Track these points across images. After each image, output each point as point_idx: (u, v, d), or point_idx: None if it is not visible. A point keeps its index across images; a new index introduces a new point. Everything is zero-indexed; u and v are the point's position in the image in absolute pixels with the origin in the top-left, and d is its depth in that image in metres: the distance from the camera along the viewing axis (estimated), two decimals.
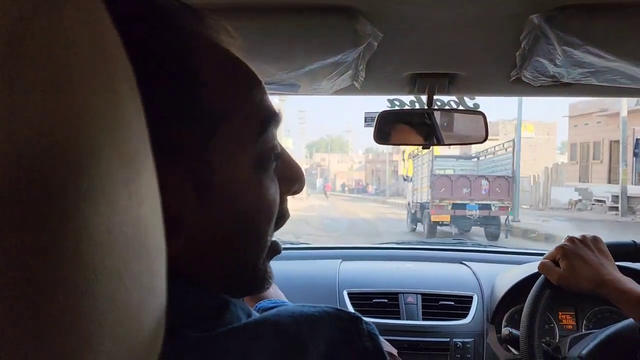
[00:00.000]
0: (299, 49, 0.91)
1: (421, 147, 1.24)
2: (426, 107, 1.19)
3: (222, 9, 0.86)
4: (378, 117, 1.18)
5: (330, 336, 0.46)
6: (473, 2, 0.83)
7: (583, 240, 1.01)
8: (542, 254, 1.72)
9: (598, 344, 1.01)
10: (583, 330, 1.34)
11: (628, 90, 1.05)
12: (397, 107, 1.24)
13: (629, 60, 0.89)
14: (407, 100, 1.25)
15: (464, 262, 1.63)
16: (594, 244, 1.00)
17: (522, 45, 0.93)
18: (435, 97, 1.19)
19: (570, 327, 1.36)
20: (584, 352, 1.01)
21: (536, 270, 1.30)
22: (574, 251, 0.99)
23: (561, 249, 1.01)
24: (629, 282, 0.93)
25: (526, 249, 1.89)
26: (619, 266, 0.99)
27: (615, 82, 0.98)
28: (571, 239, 1.02)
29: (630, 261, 1.11)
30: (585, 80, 1.00)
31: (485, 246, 1.95)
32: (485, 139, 1.23)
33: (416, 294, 1.38)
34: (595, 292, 0.96)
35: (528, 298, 1.04)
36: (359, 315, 0.49)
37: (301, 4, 0.87)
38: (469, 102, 1.24)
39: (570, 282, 0.98)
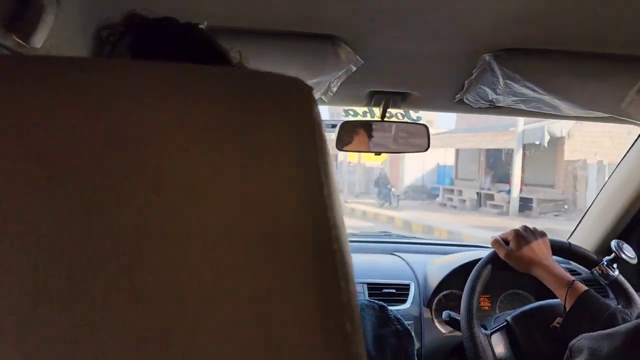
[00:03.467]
0: (289, 72, 1.01)
1: (374, 154, 1.40)
2: (380, 119, 1.35)
3: (221, 31, 0.94)
4: (340, 126, 1.32)
5: (372, 321, 0.61)
6: (440, 40, 0.99)
7: (534, 231, 1.23)
8: (459, 245, 1.97)
9: (523, 312, 1.24)
10: (497, 311, 1.59)
11: (547, 115, 1.28)
12: (350, 116, 1.38)
13: (553, 94, 1.10)
14: (360, 110, 1.39)
15: (393, 253, 1.83)
16: (540, 236, 1.22)
17: (472, 77, 1.11)
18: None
19: (487, 308, 1.60)
20: (509, 317, 1.24)
21: (465, 261, 1.52)
22: (524, 236, 1.21)
23: (515, 232, 1.23)
24: (559, 268, 1.17)
25: (443, 241, 2.14)
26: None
27: (539, 109, 1.20)
28: (525, 227, 1.24)
29: (562, 257, 1.34)
30: (516, 105, 1.21)
31: (408, 238, 2.17)
32: (428, 148, 1.41)
33: (362, 283, 1.55)
34: (531, 272, 1.18)
35: (471, 275, 1.24)
36: (384, 304, 0.65)
37: (292, 31, 0.98)
38: (413, 115, 1.41)
39: (514, 259, 1.20)
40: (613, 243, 1.28)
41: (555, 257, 1.25)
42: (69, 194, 0.25)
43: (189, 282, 0.25)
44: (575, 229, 1.67)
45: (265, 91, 0.30)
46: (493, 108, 1.28)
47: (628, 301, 1.24)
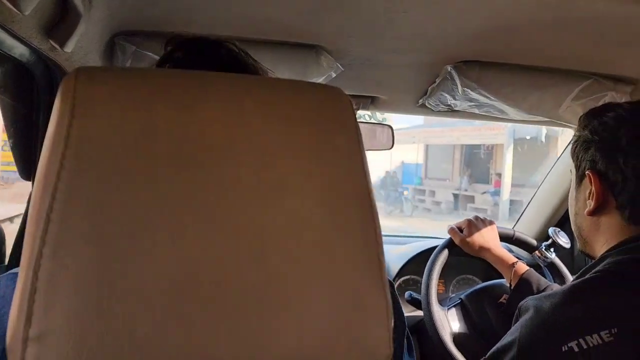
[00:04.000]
0: (277, 77, 1.14)
1: None
2: None
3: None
4: None
5: None
6: (409, 52, 1.14)
7: (484, 220, 1.41)
8: (414, 237, 2.15)
9: (474, 291, 1.41)
10: (450, 293, 1.77)
11: (497, 118, 1.46)
12: None
13: (502, 101, 1.28)
14: None
15: None
16: (489, 224, 1.40)
17: (435, 84, 1.27)
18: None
19: (441, 291, 1.77)
20: (462, 295, 1.41)
21: (421, 249, 1.69)
22: (475, 224, 1.39)
23: (468, 221, 1.40)
24: (505, 252, 1.35)
25: (399, 233, 2.30)
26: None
27: (490, 113, 1.38)
28: (476, 217, 1.42)
29: (508, 243, 1.52)
30: (470, 110, 1.38)
31: None
32: (392, 146, 1.56)
33: None
34: (482, 255, 1.36)
35: (430, 258, 1.40)
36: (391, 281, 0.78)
37: (280, 40, 1.10)
38: (379, 116, 1.56)
39: (467, 245, 1.37)
40: (550, 230, 1.47)
41: (502, 243, 1.44)
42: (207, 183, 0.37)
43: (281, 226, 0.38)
44: (519, 218, 1.88)
45: (323, 101, 0.44)
46: (451, 112, 1.45)
47: (562, 280, 1.44)
